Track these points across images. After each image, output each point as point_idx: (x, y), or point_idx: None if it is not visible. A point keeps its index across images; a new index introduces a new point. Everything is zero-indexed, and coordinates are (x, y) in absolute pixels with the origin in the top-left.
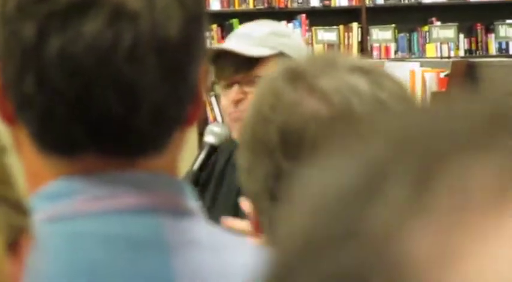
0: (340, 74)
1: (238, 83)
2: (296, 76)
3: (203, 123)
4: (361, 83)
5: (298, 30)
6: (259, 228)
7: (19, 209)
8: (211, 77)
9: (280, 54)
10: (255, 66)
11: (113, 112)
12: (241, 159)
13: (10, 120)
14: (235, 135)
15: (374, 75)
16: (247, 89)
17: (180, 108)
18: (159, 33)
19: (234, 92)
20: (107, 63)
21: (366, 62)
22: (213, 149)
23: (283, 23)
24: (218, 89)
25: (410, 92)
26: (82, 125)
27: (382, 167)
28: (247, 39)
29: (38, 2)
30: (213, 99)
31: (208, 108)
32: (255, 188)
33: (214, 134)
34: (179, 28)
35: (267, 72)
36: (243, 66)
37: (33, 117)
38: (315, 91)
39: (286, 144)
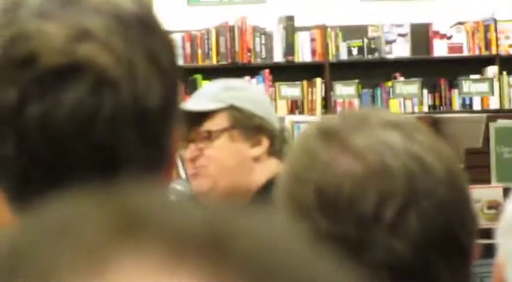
0: (373, 131)
1: (193, 141)
2: (329, 135)
3: None
4: (394, 138)
5: (261, 86)
6: None
7: None
8: None
9: (231, 107)
10: (204, 121)
11: (90, 179)
12: None
13: None
14: (195, 191)
15: (406, 129)
16: (201, 145)
17: (156, 174)
18: (139, 101)
19: (189, 150)
20: (87, 131)
21: (398, 116)
22: None
23: (247, 78)
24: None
25: (443, 145)
26: (60, 189)
27: None
28: (200, 97)
29: (20, 67)
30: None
31: None
32: None
33: (176, 192)
34: (158, 98)
35: (218, 126)
36: (193, 123)
37: (11, 180)
38: (348, 149)
39: (323, 203)
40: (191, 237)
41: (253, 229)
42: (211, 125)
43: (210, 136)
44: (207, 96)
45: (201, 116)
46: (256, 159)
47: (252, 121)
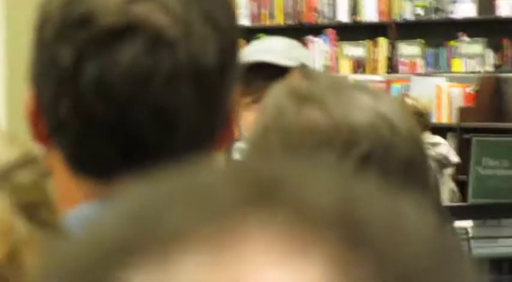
0: (343, 91)
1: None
2: (300, 92)
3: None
4: (363, 97)
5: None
6: None
7: (58, 232)
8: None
9: (302, 66)
10: (276, 78)
11: (148, 137)
12: None
13: (44, 142)
14: None
15: (375, 92)
16: None
17: (214, 133)
18: (196, 60)
19: None
20: (144, 90)
21: (368, 85)
22: None
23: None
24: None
25: (407, 112)
26: (116, 148)
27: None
28: (273, 53)
29: (76, 27)
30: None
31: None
32: None
33: (242, 151)
34: (215, 56)
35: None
36: (274, 79)
37: (67, 141)
38: (315, 104)
39: (287, 152)
40: (324, 215)
41: (386, 213)
42: None
43: None
44: (277, 53)
45: (278, 72)
46: None
47: None
